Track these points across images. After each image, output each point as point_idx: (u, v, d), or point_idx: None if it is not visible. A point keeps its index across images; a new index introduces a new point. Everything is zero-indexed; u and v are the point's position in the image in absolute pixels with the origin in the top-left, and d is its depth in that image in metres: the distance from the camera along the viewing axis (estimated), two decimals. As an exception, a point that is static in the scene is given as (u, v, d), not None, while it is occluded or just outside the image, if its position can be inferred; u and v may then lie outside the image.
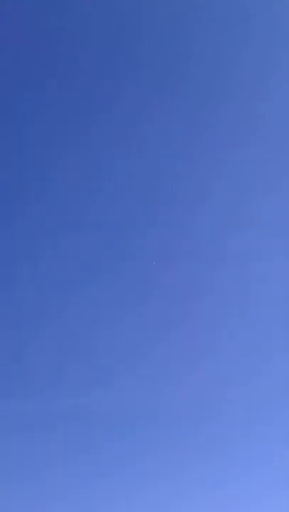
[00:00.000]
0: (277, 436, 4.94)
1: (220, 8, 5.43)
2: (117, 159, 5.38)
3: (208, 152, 5.41)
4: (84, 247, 5.28)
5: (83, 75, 5.44)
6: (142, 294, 5.25)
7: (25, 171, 5.39)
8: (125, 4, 5.44)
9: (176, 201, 5.39)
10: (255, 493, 4.84)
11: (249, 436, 4.98)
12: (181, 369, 5.10)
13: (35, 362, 5.10)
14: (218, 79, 5.42)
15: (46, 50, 5.42)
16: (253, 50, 5.42)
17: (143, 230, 5.34)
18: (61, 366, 5.10)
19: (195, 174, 5.43)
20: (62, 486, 4.84)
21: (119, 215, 5.35)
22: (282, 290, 5.22)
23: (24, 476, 4.86)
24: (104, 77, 5.43)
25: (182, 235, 5.34)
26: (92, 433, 4.97)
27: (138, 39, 5.45)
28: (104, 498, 4.84)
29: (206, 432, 4.99)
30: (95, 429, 4.97)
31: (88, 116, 5.40)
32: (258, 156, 5.38)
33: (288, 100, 5.41)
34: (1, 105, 5.41)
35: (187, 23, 5.43)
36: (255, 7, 5.43)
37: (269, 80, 5.43)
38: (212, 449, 4.96)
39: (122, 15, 5.43)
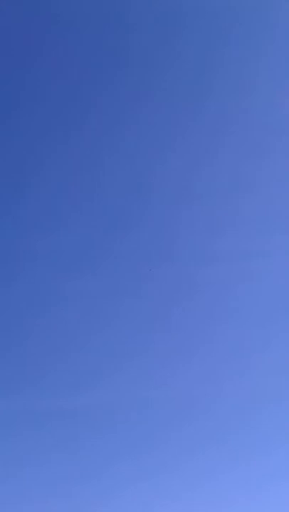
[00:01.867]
0: (274, 431, 4.99)
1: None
2: (110, 158, 5.46)
3: (199, 152, 5.47)
4: (78, 244, 5.34)
5: (80, 72, 5.49)
6: (134, 293, 5.28)
7: (24, 167, 5.46)
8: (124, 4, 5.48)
9: (171, 197, 5.46)
10: (251, 487, 4.86)
11: (244, 434, 5.01)
12: (172, 367, 5.13)
13: (23, 361, 5.14)
14: (216, 79, 5.48)
15: (42, 43, 5.46)
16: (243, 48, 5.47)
17: (138, 227, 5.39)
18: (50, 366, 5.14)
19: (189, 172, 5.49)
20: (54, 485, 4.85)
21: (114, 212, 5.40)
22: (276, 287, 5.29)
23: (9, 475, 4.87)
24: (98, 73, 5.49)
25: (178, 232, 5.41)
26: (85, 433, 5.00)
27: (133, 33, 5.47)
28: (95, 497, 4.84)
29: (199, 430, 5.01)
30: (87, 429, 5.00)
31: (79, 116, 5.48)
32: (247, 155, 5.43)
33: (278, 96, 5.45)
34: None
35: (182, 20, 5.47)
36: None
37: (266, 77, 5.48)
38: (204, 448, 4.97)
39: (119, 13, 5.46)
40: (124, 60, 5.44)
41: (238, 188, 5.39)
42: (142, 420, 5.03)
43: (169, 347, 5.18)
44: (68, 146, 5.43)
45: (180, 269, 5.29)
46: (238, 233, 5.34)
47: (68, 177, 5.44)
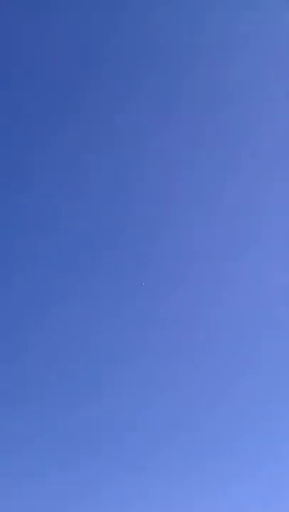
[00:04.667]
0: (279, 432, 4.93)
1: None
2: (109, 159, 5.39)
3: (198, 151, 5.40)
4: (76, 245, 5.29)
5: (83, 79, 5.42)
6: (130, 297, 5.23)
7: (23, 166, 5.37)
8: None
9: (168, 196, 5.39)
10: (257, 493, 4.81)
11: (249, 437, 4.96)
12: (172, 384, 5.08)
13: (21, 376, 5.06)
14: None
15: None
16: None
17: (136, 227, 5.33)
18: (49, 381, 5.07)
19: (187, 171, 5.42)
20: (53, 501, 4.79)
21: (113, 214, 5.34)
22: (276, 286, 5.20)
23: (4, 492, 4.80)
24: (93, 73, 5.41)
25: (177, 231, 5.34)
26: (84, 449, 4.94)
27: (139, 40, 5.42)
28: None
29: (199, 443, 4.96)
30: (86, 445, 4.95)
31: (76, 114, 5.40)
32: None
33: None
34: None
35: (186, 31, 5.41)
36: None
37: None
38: (205, 464, 4.92)
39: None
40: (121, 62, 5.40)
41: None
42: (141, 436, 4.97)
43: (170, 351, 5.15)
44: (66, 146, 5.38)
45: (179, 269, 5.24)
46: (237, 230, 5.29)
47: (68, 177, 5.39)
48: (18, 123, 5.39)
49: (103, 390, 5.02)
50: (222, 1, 5.43)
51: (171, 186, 5.36)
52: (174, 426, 4.97)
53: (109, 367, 5.08)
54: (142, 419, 4.97)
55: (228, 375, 5.07)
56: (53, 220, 5.29)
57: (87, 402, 4.97)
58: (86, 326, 5.15)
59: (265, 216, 5.32)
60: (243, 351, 5.12)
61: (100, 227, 5.30)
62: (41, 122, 5.39)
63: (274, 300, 5.16)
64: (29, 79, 5.41)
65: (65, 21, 5.40)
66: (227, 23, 5.38)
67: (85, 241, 5.27)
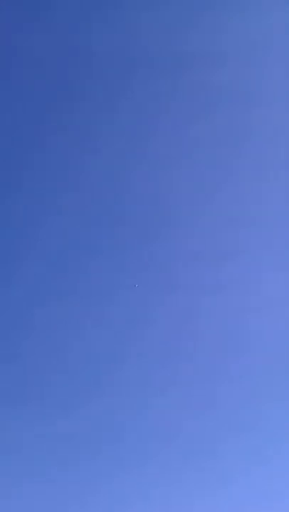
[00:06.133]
0: (279, 432, 4.92)
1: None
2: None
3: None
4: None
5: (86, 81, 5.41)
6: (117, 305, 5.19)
7: (26, 164, 5.36)
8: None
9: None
10: (257, 493, 4.80)
11: (249, 437, 4.93)
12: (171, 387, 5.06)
13: (21, 376, 5.04)
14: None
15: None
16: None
17: (137, 230, 5.30)
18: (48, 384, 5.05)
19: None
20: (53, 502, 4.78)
21: (113, 215, 5.32)
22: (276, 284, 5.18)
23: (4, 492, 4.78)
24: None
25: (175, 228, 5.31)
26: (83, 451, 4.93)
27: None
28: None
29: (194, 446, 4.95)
30: (85, 447, 4.94)
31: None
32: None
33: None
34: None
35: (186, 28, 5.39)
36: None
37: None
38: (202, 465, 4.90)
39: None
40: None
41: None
42: (141, 436, 4.97)
43: (170, 351, 5.13)
44: (65, 146, 5.36)
45: (178, 269, 5.22)
46: (237, 231, 5.26)
47: (67, 176, 5.36)
48: (17, 123, 5.38)
49: (103, 390, 5.02)
50: (222, 1, 5.46)
51: (170, 187, 5.34)
52: (174, 426, 4.95)
53: (109, 367, 5.07)
54: (142, 419, 4.97)
55: (228, 375, 5.05)
56: (52, 220, 5.27)
57: (87, 402, 4.97)
58: (86, 326, 5.13)
59: (265, 216, 5.30)
60: (243, 351, 5.10)
61: (99, 227, 5.28)
62: (40, 122, 5.36)
63: (274, 301, 5.14)
64: (27, 79, 5.39)
65: (64, 22, 5.38)
66: (227, 23, 5.38)
67: (85, 241, 5.26)
